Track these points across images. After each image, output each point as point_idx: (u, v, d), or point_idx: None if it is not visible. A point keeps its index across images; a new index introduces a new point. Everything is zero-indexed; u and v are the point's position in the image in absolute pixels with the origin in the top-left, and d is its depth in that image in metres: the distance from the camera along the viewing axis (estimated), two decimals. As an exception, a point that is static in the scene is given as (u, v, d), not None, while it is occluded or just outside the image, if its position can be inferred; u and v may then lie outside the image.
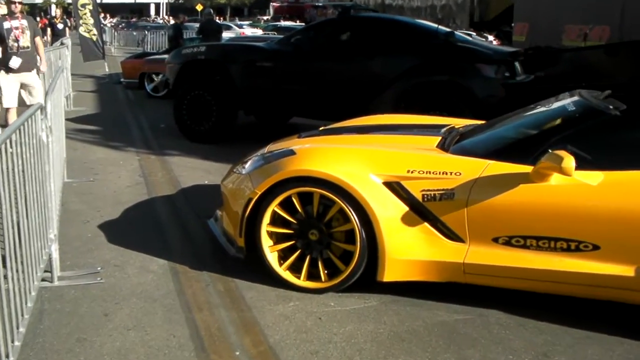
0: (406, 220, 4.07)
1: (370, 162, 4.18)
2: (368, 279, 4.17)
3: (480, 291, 4.14)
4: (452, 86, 7.57)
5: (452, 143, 4.55)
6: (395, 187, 4.08)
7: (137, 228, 5.40)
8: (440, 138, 4.68)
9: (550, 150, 3.84)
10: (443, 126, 5.16)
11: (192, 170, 7.31)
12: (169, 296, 4.16)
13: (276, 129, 9.21)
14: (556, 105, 4.55)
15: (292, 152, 4.40)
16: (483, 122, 5.31)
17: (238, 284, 4.35)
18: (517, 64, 7.78)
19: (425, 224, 4.06)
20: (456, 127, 5.14)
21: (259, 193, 4.26)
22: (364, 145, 4.58)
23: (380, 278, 4.13)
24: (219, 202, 4.94)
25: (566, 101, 4.53)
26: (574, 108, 4.29)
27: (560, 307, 4.09)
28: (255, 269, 4.41)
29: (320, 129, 5.69)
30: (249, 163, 4.65)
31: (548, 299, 4.09)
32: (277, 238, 4.36)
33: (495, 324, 3.94)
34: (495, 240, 3.96)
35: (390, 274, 4.12)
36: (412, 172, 4.07)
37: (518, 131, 4.49)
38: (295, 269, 4.32)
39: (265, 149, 4.98)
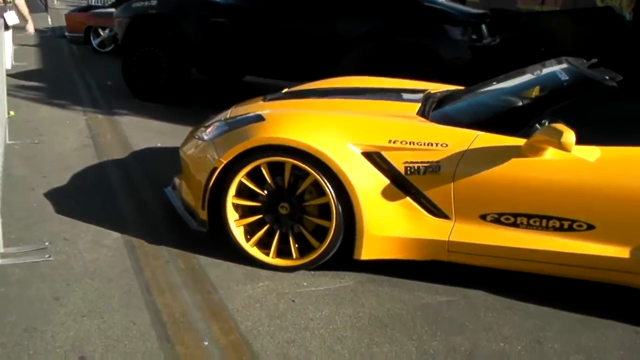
0: (387, 194, 3.67)
1: (348, 130, 3.75)
2: (342, 257, 3.78)
3: (461, 270, 3.80)
4: (417, 48, 7.15)
5: (431, 110, 4.16)
6: (375, 159, 3.67)
7: (87, 196, 4.87)
8: (419, 105, 4.27)
9: (545, 123, 3.49)
10: (419, 91, 4.76)
11: (143, 132, 6.75)
12: (125, 275, 3.69)
13: (230, 89, 8.67)
14: (545, 72, 4.17)
15: (260, 118, 3.93)
16: (460, 87, 4.93)
17: (201, 261, 3.90)
18: (483, 27, 7.39)
19: (408, 198, 3.67)
20: (432, 92, 4.74)
21: (224, 162, 3.79)
22: (340, 111, 4.12)
23: (357, 256, 3.75)
24: (176, 168, 4.45)
25: (555, 69, 4.17)
26: (567, 77, 3.92)
27: (548, 289, 3.79)
28: (219, 244, 3.97)
29: (285, 91, 5.22)
30: (211, 128, 4.16)
31: (534, 279, 3.78)
32: (243, 211, 3.92)
33: (481, 306, 3.61)
34: (483, 217, 3.60)
35: (368, 251, 3.73)
36: (394, 142, 3.66)
37: (507, 100, 4.12)
38: (263, 245, 3.90)
39: (228, 113, 4.49)
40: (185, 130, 6.47)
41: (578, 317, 3.56)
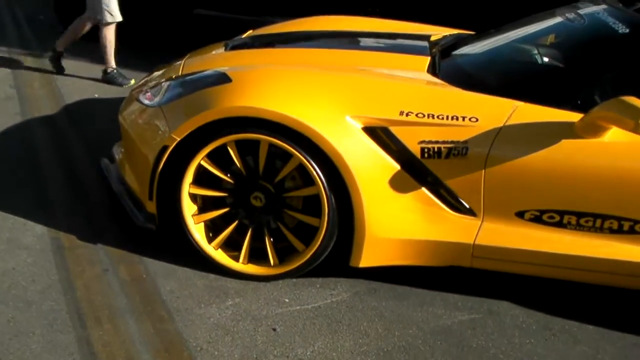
0: (396, 183, 2.68)
1: (345, 97, 2.72)
2: (332, 260, 2.82)
3: (476, 273, 2.87)
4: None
5: (444, 66, 3.14)
6: (381, 136, 2.66)
7: (4, 169, 3.73)
8: (429, 58, 3.23)
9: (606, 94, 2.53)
10: (421, 37, 3.69)
11: (77, 79, 5.50)
12: (50, 295, 2.65)
13: (179, 23, 7.33)
14: (587, 17, 3.15)
15: (224, 78, 2.84)
16: (470, 32, 3.89)
17: (149, 268, 2.88)
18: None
19: (423, 189, 2.69)
20: (439, 37, 3.70)
21: (178, 139, 2.73)
22: (333, 70, 3.05)
23: (355, 263, 2.78)
24: (117, 134, 3.34)
25: (596, 11, 3.16)
26: (622, 26, 2.91)
27: (590, 301, 2.91)
28: (173, 244, 2.95)
29: (249, 33, 4.09)
30: (159, 89, 3.05)
31: (568, 287, 2.89)
32: (204, 203, 2.89)
33: (514, 327, 2.72)
34: (520, 214, 2.66)
35: (368, 257, 2.77)
36: (407, 115, 2.65)
37: (548, 56, 3.10)
38: (231, 246, 2.89)
39: (181, 66, 3.36)
40: (131, 77, 5.43)
41: (634, 341, 2.69)
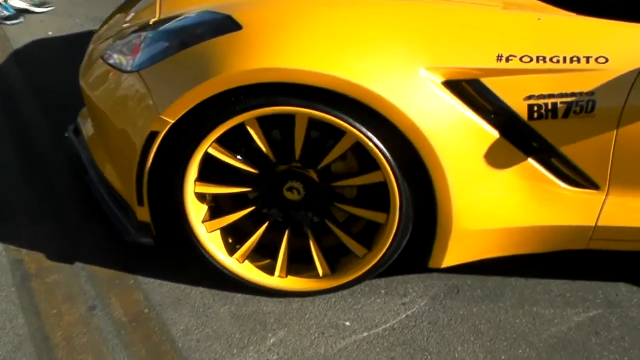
0: (493, 156, 1.78)
1: (416, 39, 1.74)
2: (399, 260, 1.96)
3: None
4: None
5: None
6: (471, 93, 1.73)
7: None
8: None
9: None
10: None
11: (28, 14, 4.31)
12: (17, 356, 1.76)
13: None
14: None
15: (230, 23, 1.80)
16: None
17: (151, 296, 1.98)
18: None
19: (530, 160, 1.79)
20: None
21: (171, 122, 1.76)
22: None
23: (436, 264, 1.92)
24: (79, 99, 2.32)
25: None
26: None
27: None
28: (178, 253, 2.04)
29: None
30: (131, 44, 2.02)
31: None
32: (216, 201, 1.96)
33: (647, 324, 1.93)
34: (662, 183, 1.80)
35: (454, 255, 1.91)
36: (507, 60, 1.70)
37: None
38: (259, 252, 1.99)
39: (157, 4, 2.28)
40: (94, 10, 4.23)
41: None
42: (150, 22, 2.05)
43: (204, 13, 1.91)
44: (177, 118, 1.75)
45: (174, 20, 1.97)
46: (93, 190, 2.11)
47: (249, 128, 1.77)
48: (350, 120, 1.71)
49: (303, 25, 1.75)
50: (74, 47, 2.88)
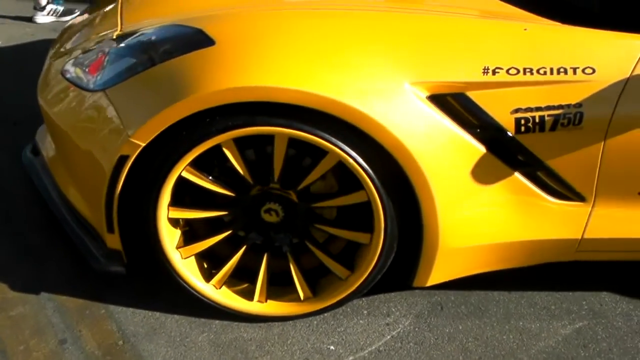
0: (480, 172, 1.71)
1: (400, 53, 1.65)
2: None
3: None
4: None
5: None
6: (455, 107, 1.65)
7: None
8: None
9: None
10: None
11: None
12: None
13: None
14: None
15: (202, 37, 1.69)
16: None
17: (125, 327, 1.85)
18: None
19: (517, 175, 1.73)
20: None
21: (142, 145, 1.64)
22: (372, 10, 1.91)
23: (421, 282, 1.85)
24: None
25: None
26: None
27: None
28: (152, 278, 1.92)
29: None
30: (99, 57, 1.86)
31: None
32: (192, 228, 1.84)
33: (629, 331, 1.90)
34: (647, 194, 1.77)
35: (439, 273, 1.84)
36: (493, 73, 1.63)
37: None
38: (236, 276, 1.88)
39: (118, 13, 2.14)
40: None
41: None
42: (114, 37, 1.91)
43: (172, 27, 1.78)
44: (148, 141, 1.63)
45: (138, 34, 1.84)
46: (57, 215, 1.96)
47: (225, 150, 1.66)
48: (333, 140, 1.62)
49: (282, 41, 1.65)
50: (26, 57, 2.69)
